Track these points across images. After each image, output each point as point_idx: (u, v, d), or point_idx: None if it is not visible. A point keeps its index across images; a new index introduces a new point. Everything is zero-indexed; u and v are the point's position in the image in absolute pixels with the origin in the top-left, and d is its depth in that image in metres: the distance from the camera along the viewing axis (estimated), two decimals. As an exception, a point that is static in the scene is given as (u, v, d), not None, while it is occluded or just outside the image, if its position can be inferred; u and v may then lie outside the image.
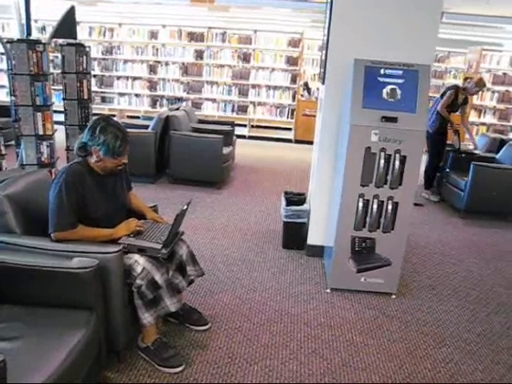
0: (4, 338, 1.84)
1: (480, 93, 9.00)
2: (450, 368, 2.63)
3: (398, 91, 3.03)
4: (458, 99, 5.66)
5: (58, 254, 2.17)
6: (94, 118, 2.51)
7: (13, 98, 4.60)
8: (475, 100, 9.11)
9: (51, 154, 4.64)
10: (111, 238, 2.38)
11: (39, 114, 4.46)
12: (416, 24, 3.31)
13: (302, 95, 9.56)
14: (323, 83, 3.68)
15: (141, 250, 2.38)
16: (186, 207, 2.54)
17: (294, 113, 9.50)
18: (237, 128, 7.48)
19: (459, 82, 6.79)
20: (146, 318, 2.35)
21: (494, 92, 9.21)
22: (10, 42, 4.34)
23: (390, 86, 3.04)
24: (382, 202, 3.16)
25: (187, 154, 5.62)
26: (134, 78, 9.98)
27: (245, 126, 9.71)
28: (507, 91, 9.23)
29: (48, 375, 1.66)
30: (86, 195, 2.37)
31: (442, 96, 5.69)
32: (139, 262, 2.32)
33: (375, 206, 3.17)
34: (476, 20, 8.33)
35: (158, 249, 2.38)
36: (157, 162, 5.78)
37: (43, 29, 9.66)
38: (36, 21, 9.08)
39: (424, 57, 3.19)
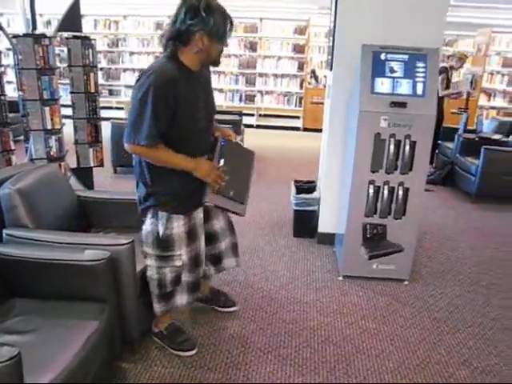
0: (19, 332, 1.85)
1: (490, 76, 8.98)
2: (464, 353, 2.62)
3: (407, 76, 2.99)
4: (450, 77, 6.54)
5: (70, 246, 2.18)
6: None
7: (20, 92, 4.60)
8: (484, 83, 8.99)
9: (60, 148, 4.65)
10: (189, 171, 2.11)
11: (47, 109, 4.46)
12: (424, 7, 3.25)
13: (309, 83, 9.49)
14: (331, 70, 3.64)
15: (224, 209, 2.37)
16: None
17: (302, 101, 9.44)
18: (245, 117, 7.44)
19: (445, 64, 6.87)
20: (156, 308, 2.37)
21: (503, 75, 9.02)
22: (16, 36, 4.34)
23: (398, 71, 3.00)
24: (393, 187, 3.13)
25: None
26: (141, 71, 9.92)
27: (253, 115, 9.69)
28: (517, 74, 9.07)
29: (63, 367, 1.68)
30: (178, 101, 1.99)
31: None
32: (182, 258, 2.28)
33: (386, 192, 3.14)
34: (486, 1, 8.16)
35: (241, 210, 2.33)
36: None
37: (48, 23, 9.65)
38: (41, 15, 9.06)
39: (432, 40, 3.13)
